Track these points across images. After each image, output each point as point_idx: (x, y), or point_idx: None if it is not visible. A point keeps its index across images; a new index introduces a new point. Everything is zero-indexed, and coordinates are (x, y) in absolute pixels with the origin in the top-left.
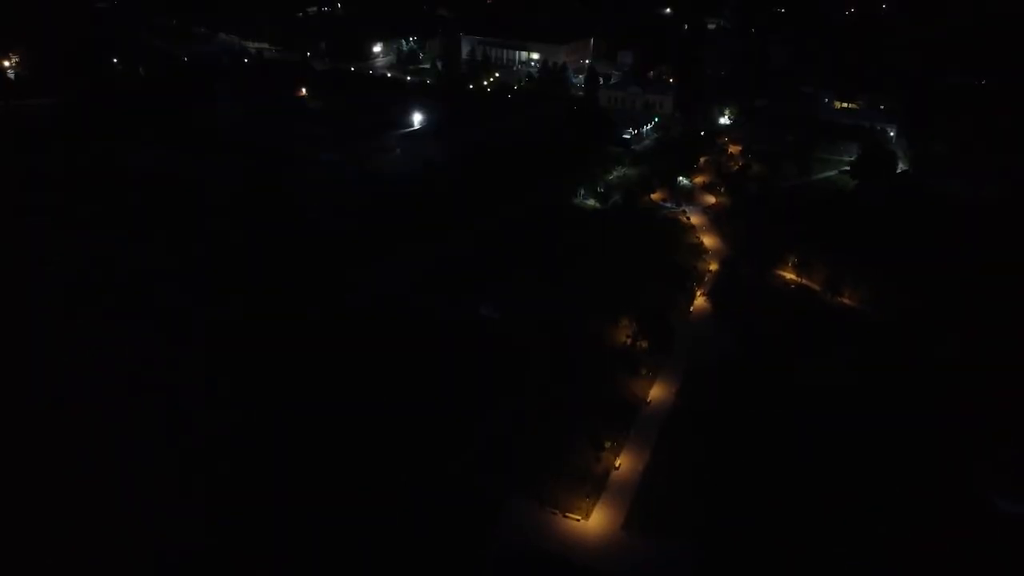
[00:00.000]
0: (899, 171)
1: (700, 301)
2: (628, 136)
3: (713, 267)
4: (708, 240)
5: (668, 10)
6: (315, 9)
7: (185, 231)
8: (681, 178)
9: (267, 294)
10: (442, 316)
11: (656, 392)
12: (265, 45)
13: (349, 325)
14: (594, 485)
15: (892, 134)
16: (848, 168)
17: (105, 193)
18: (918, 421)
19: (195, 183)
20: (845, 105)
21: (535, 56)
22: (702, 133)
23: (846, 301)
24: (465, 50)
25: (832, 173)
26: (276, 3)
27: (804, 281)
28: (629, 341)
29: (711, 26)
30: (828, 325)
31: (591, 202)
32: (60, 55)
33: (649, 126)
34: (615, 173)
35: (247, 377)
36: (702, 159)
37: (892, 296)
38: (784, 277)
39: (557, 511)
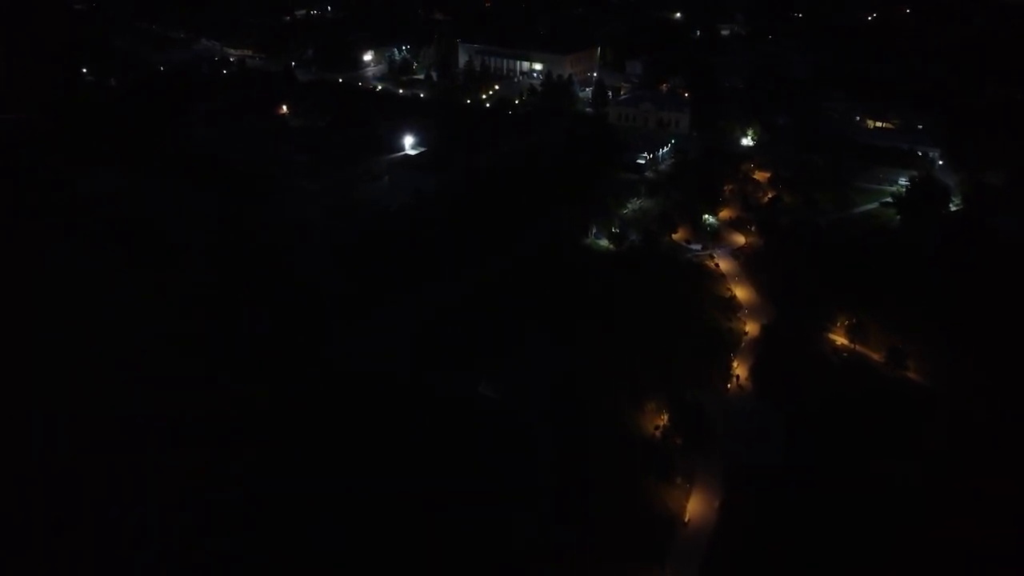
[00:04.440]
0: (952, 206)
1: (739, 370)
2: (643, 161)
3: (749, 327)
4: (741, 292)
5: (678, 15)
6: (303, 12)
7: (144, 280)
8: (706, 216)
9: (235, 362)
10: (434, 397)
11: (695, 506)
12: (248, 52)
13: (325, 415)
14: None
15: (939, 161)
16: (891, 199)
17: (62, 228)
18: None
19: (161, 222)
20: (879, 124)
21: (537, 66)
22: (724, 157)
23: (911, 375)
24: (462, 59)
25: (873, 206)
26: (262, 4)
27: (858, 348)
28: (658, 433)
29: (724, 32)
30: (893, 408)
31: (604, 242)
32: (28, 64)
33: (665, 148)
34: (630, 206)
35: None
36: (727, 188)
37: (967, 371)
38: (835, 342)
39: None
